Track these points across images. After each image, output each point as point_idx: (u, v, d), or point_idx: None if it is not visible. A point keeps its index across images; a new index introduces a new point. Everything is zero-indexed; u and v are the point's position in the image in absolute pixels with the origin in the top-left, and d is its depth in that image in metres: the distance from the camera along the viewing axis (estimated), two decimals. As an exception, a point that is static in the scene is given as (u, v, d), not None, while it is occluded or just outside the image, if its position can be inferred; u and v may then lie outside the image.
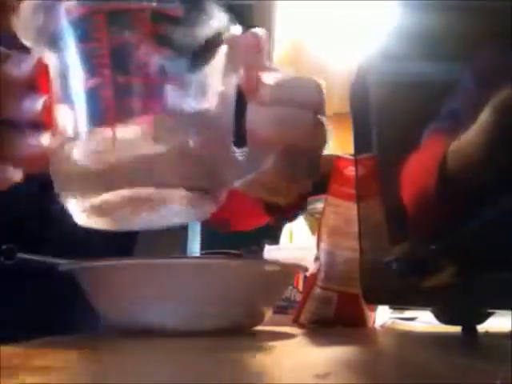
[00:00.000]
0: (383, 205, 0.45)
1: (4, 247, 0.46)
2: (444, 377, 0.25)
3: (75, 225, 0.35)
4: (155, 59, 0.35)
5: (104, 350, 0.34)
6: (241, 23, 0.38)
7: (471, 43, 0.31)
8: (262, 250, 0.76)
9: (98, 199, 0.34)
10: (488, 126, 0.28)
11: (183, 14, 0.35)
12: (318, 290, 0.58)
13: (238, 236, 0.75)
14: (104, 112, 0.34)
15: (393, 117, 0.43)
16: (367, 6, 0.39)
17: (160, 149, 0.34)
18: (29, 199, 0.50)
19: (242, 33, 0.38)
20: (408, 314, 0.72)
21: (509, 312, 0.39)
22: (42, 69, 0.37)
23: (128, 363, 0.30)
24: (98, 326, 0.54)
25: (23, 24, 0.36)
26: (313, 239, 0.66)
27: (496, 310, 0.44)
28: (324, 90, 0.42)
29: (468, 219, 0.31)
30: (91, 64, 0.35)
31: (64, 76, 0.36)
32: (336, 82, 1.51)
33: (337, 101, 1.41)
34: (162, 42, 0.35)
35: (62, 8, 0.35)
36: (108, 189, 0.34)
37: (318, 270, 0.58)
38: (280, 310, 0.65)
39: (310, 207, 0.88)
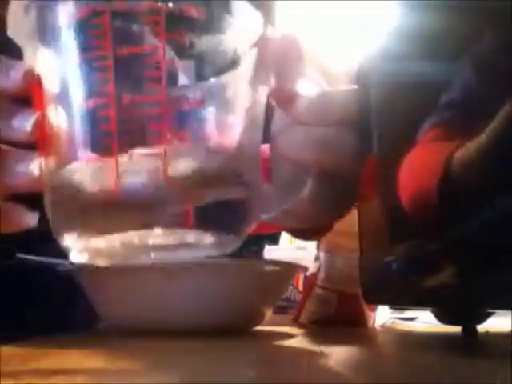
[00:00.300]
0: (383, 205, 0.45)
1: (4, 247, 0.46)
2: (444, 377, 0.25)
3: None
4: (171, 73, 0.29)
5: (104, 350, 0.34)
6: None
7: (471, 43, 0.31)
8: (262, 250, 0.75)
9: (102, 240, 0.29)
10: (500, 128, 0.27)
11: (206, 16, 0.29)
12: (318, 290, 0.58)
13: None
14: (106, 136, 0.28)
15: (393, 117, 0.43)
16: (367, 6, 0.39)
17: (175, 182, 0.28)
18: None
19: (274, 35, 0.33)
20: (408, 313, 0.72)
21: (509, 312, 0.39)
22: (33, 78, 0.31)
23: (128, 363, 0.30)
24: (98, 326, 0.54)
25: (14, 23, 0.31)
26: (313, 239, 0.66)
27: (496, 310, 0.44)
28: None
29: (468, 219, 0.31)
30: (92, 79, 0.29)
31: (61, 89, 0.30)
32: (336, 82, 1.51)
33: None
34: (180, 51, 0.29)
35: (58, 8, 0.30)
36: (115, 229, 0.29)
37: (318, 270, 0.58)
38: (280, 310, 0.65)
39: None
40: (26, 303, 0.55)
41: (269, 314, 0.47)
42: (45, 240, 0.31)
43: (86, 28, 0.29)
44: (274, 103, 0.34)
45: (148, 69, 0.28)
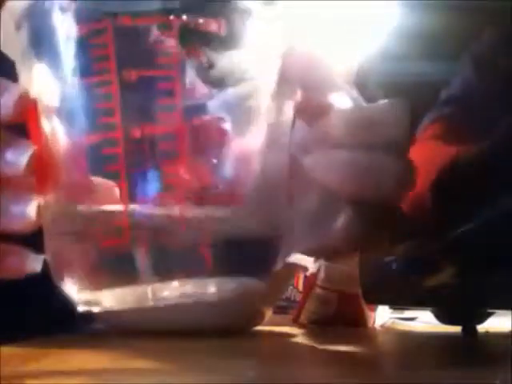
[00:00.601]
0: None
1: None
2: (444, 377, 0.25)
3: None
4: (187, 101, 0.24)
5: (104, 350, 0.34)
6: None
7: (471, 42, 0.31)
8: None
9: (111, 294, 0.26)
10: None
11: (228, 30, 0.25)
12: (318, 290, 0.58)
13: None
14: (114, 178, 0.25)
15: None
16: (367, 5, 0.38)
17: (190, 236, 0.24)
18: None
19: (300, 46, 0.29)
20: (408, 313, 0.72)
21: (509, 312, 0.39)
22: (28, 103, 0.27)
23: (129, 363, 0.30)
24: (98, 326, 0.54)
25: (5, 38, 0.27)
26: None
27: (496, 310, 0.44)
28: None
29: (469, 219, 0.31)
30: (95, 108, 0.25)
31: (60, 118, 0.26)
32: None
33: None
34: (200, 74, 0.24)
35: (53, 24, 0.25)
36: (126, 281, 0.26)
37: (318, 270, 0.58)
38: (280, 310, 0.65)
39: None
40: (25, 303, 0.55)
41: (269, 314, 0.47)
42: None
43: (86, 48, 0.25)
44: (298, 117, 0.29)
45: (161, 96, 0.24)
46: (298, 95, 0.29)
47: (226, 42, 0.25)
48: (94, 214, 0.25)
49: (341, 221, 0.29)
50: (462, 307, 0.42)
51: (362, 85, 0.38)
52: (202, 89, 0.25)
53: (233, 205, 0.26)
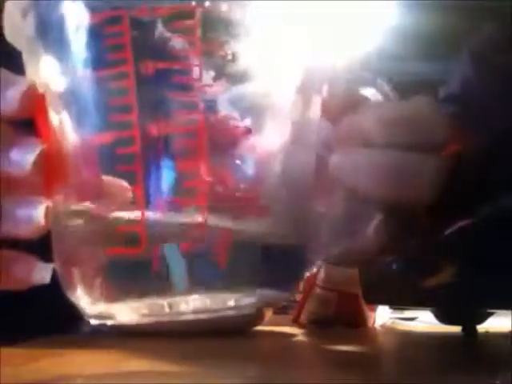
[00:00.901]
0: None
1: None
2: (444, 377, 0.25)
3: None
4: (210, 97, 0.22)
5: (105, 351, 0.34)
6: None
7: (469, 40, 0.31)
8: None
9: (125, 306, 0.24)
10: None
11: (252, 19, 0.22)
12: (317, 290, 0.58)
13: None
14: (130, 180, 0.22)
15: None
16: (365, 5, 0.38)
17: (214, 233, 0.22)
18: None
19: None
20: (408, 313, 0.72)
21: (509, 312, 0.39)
22: (36, 98, 0.25)
23: (129, 364, 0.30)
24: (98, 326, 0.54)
25: (11, 26, 0.25)
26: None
27: (496, 310, 0.44)
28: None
29: (468, 218, 0.31)
30: (109, 106, 0.22)
31: (71, 114, 0.24)
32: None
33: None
34: (221, 67, 0.22)
35: (61, 11, 0.23)
36: (142, 293, 0.24)
37: (318, 270, 0.58)
38: (280, 310, 0.65)
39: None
40: (25, 303, 0.55)
41: (269, 314, 0.47)
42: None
43: (99, 38, 0.23)
44: (323, 113, 0.27)
45: (180, 91, 0.22)
46: (325, 90, 0.27)
47: (251, 31, 0.23)
48: (107, 219, 0.23)
49: (372, 225, 0.27)
50: (462, 307, 0.42)
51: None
52: (222, 83, 0.23)
53: (256, 210, 0.24)
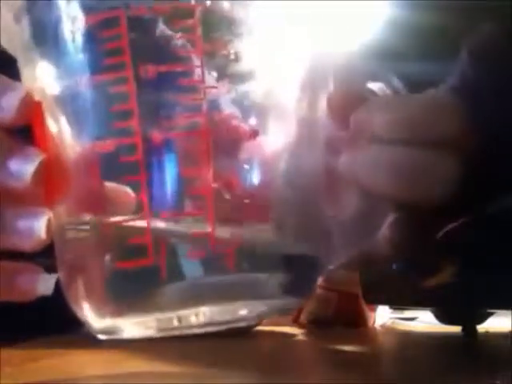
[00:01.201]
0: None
1: None
2: (444, 377, 0.25)
3: None
4: (213, 98, 0.21)
5: (104, 351, 0.34)
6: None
7: (468, 36, 0.31)
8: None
9: (133, 320, 0.23)
10: None
11: (255, 17, 0.22)
12: (318, 290, 0.58)
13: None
14: (134, 189, 0.21)
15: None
16: (366, 4, 0.38)
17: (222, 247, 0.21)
18: None
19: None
20: (408, 313, 0.72)
21: (509, 312, 0.39)
22: (33, 105, 0.23)
23: (128, 364, 0.30)
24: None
25: (4, 32, 0.24)
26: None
27: (496, 310, 0.44)
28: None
29: (469, 218, 0.31)
30: (109, 112, 0.21)
31: (69, 122, 0.23)
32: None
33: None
34: (223, 69, 0.21)
35: (59, 13, 0.22)
36: (151, 307, 0.23)
37: (318, 270, 0.58)
38: (280, 310, 0.65)
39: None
40: (25, 303, 0.55)
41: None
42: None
43: (96, 41, 0.22)
44: (330, 110, 0.25)
45: (183, 93, 0.21)
46: (331, 86, 0.25)
47: (254, 30, 0.22)
48: (111, 229, 0.22)
49: (386, 227, 0.26)
50: (462, 307, 0.42)
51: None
52: (225, 84, 0.22)
53: (265, 216, 0.23)
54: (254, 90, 0.22)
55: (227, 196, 0.22)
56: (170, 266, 0.22)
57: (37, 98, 0.24)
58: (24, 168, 0.23)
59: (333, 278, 0.58)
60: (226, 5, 0.21)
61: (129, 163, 0.21)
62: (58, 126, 0.23)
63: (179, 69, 0.21)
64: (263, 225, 0.23)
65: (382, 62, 0.39)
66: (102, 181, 0.22)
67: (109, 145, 0.21)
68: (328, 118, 0.25)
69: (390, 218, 0.26)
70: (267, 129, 0.23)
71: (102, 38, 0.21)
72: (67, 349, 0.35)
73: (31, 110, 0.24)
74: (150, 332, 0.24)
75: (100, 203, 0.22)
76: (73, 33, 0.22)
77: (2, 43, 0.24)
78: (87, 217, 0.23)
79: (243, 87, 0.22)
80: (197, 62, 0.21)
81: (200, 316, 0.24)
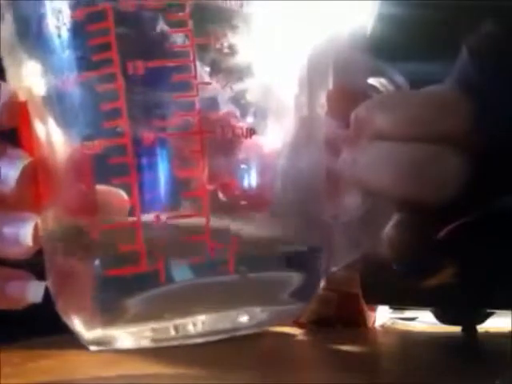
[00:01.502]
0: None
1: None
2: (444, 377, 0.25)
3: None
4: (207, 95, 0.20)
5: (104, 352, 0.34)
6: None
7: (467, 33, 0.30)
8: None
9: (126, 330, 0.22)
10: None
11: (250, 8, 0.20)
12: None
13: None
14: (124, 191, 0.20)
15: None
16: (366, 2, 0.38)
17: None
18: None
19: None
20: (408, 313, 0.72)
21: (509, 312, 0.39)
22: (19, 106, 0.23)
23: (127, 364, 0.30)
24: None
25: None
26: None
27: (496, 310, 0.44)
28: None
29: (469, 218, 0.31)
30: (97, 111, 0.20)
31: (57, 121, 0.22)
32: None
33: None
34: (217, 63, 0.20)
35: (43, 9, 0.21)
36: (145, 316, 0.21)
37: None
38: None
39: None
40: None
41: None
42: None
43: (82, 37, 0.21)
44: (329, 107, 0.25)
45: (175, 90, 0.20)
46: (331, 83, 0.25)
47: (249, 22, 0.21)
48: (101, 235, 0.21)
49: (390, 228, 0.25)
50: (462, 307, 0.42)
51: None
52: (219, 80, 0.21)
53: (262, 219, 0.22)
54: (251, 85, 0.21)
55: (224, 198, 0.21)
56: (165, 272, 0.21)
57: (23, 98, 0.23)
58: (9, 171, 0.22)
59: (333, 278, 0.58)
60: None
61: (118, 165, 0.20)
62: (46, 127, 0.22)
63: (170, 64, 0.20)
64: (262, 227, 0.22)
65: (383, 58, 0.39)
66: (93, 184, 0.21)
67: (97, 146, 0.20)
68: (327, 116, 0.25)
69: (394, 219, 0.26)
70: (264, 127, 0.22)
71: (88, 33, 0.20)
72: (66, 349, 0.35)
73: (17, 112, 0.23)
74: (145, 343, 0.22)
75: (91, 207, 0.21)
76: (58, 28, 0.21)
77: None
78: (77, 222, 0.22)
79: (238, 83, 0.21)
80: (189, 56, 0.20)
81: (198, 324, 0.22)
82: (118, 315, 0.22)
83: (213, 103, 0.21)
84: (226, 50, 0.21)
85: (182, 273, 0.21)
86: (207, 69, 0.21)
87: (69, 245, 0.22)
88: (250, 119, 0.21)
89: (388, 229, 0.26)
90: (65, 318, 0.23)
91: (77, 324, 0.23)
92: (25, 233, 0.23)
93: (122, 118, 0.20)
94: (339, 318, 0.58)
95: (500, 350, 0.38)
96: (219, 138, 0.20)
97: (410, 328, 0.65)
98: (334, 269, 0.26)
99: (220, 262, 0.21)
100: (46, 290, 0.24)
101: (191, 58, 0.20)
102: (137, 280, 0.21)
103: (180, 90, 0.20)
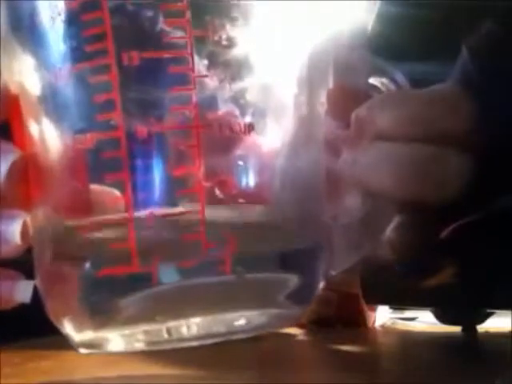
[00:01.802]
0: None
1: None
2: (444, 377, 0.25)
3: None
4: (205, 89, 0.19)
5: (103, 352, 0.34)
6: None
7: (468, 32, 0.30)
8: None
9: (118, 332, 0.21)
10: None
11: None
12: (318, 290, 0.58)
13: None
14: (118, 188, 0.19)
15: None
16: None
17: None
18: None
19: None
20: (408, 313, 0.72)
21: (509, 312, 0.39)
22: (10, 99, 0.22)
23: (127, 364, 0.30)
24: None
25: None
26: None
27: (496, 310, 0.44)
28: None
29: (470, 218, 0.31)
30: (90, 103, 0.20)
31: (49, 115, 0.21)
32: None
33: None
34: (215, 56, 0.20)
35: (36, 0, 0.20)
36: (137, 318, 0.20)
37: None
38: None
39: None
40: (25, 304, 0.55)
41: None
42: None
43: (76, 27, 0.20)
44: (329, 107, 0.24)
45: (171, 83, 0.20)
46: (331, 82, 0.24)
47: (249, 14, 0.20)
48: (94, 234, 0.20)
49: (391, 230, 0.25)
50: (462, 307, 0.42)
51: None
52: (217, 73, 0.20)
53: (260, 218, 0.21)
54: (250, 85, 0.21)
55: (221, 195, 0.20)
56: (158, 272, 0.20)
57: (14, 91, 0.22)
58: None
59: (333, 278, 0.58)
60: None
61: (111, 160, 0.19)
62: (38, 122, 0.21)
63: (167, 56, 0.20)
64: (260, 227, 0.21)
65: (383, 58, 0.38)
66: (86, 181, 0.20)
67: (89, 139, 0.20)
68: (327, 115, 0.24)
69: (395, 221, 0.25)
70: (264, 126, 0.21)
71: (82, 23, 0.20)
72: (66, 350, 0.35)
73: (8, 105, 0.22)
74: (138, 346, 0.21)
75: (84, 206, 0.20)
76: (52, 19, 0.20)
77: None
78: (68, 220, 0.21)
79: (237, 78, 0.20)
80: (186, 48, 0.19)
81: (192, 327, 0.21)
82: (109, 317, 0.21)
83: (212, 102, 0.20)
84: (224, 43, 0.20)
85: (175, 273, 0.20)
86: (205, 61, 0.20)
87: (59, 244, 0.21)
88: (249, 118, 0.21)
89: (389, 231, 0.26)
90: (53, 320, 0.22)
91: (66, 326, 0.21)
92: (13, 230, 0.22)
93: (115, 110, 0.19)
94: (339, 317, 0.58)
95: (500, 350, 0.38)
96: (217, 134, 0.20)
97: (410, 328, 0.65)
98: (333, 273, 0.25)
99: (216, 262, 0.20)
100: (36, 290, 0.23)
101: (189, 50, 0.19)
102: (129, 280, 0.20)
103: (177, 83, 0.20)
